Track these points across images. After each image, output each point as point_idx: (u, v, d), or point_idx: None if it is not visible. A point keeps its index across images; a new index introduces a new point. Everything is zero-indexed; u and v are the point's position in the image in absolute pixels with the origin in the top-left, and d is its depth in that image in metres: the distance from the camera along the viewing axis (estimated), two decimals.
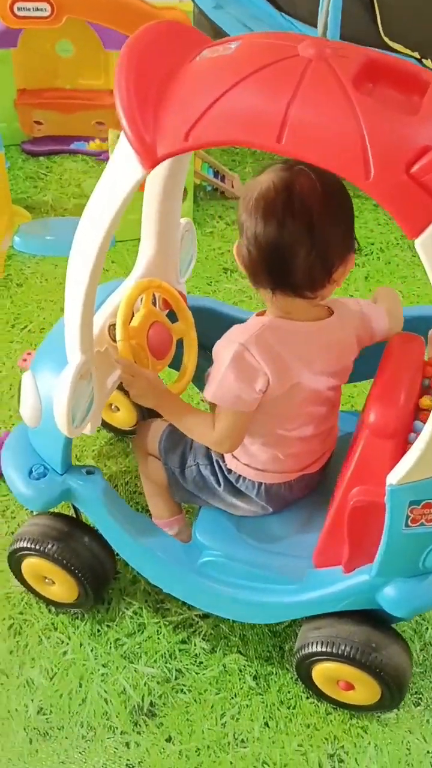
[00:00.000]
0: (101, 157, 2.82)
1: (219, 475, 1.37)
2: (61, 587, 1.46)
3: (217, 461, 1.37)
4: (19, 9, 2.04)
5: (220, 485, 1.37)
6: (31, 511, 1.67)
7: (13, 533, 1.64)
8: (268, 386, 1.19)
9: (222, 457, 1.37)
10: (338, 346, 1.25)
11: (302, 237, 1.07)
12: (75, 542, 1.43)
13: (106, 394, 1.35)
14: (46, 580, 1.47)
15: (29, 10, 2.03)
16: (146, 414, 1.72)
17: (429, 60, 2.72)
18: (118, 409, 1.76)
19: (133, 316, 1.33)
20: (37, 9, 2.03)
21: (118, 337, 1.28)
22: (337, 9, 2.46)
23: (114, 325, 1.31)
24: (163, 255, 1.44)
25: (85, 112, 2.83)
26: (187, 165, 1.37)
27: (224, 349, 1.19)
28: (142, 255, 1.44)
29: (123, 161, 1.01)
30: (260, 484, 1.35)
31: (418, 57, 2.69)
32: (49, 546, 1.41)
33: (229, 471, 1.36)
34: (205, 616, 1.52)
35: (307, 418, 1.28)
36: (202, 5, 2.90)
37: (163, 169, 1.33)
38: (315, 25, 2.73)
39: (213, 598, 1.39)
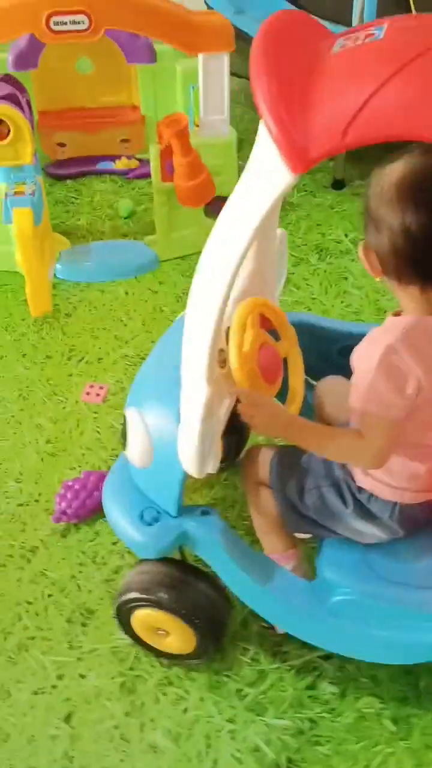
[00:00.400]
0: (129, 176, 2.72)
1: (347, 495, 1.26)
2: (178, 638, 1.34)
3: (345, 480, 1.26)
4: (55, 23, 1.92)
5: (347, 507, 1.26)
6: (123, 557, 1.56)
7: (107, 581, 1.53)
8: (419, 389, 1.08)
9: (350, 475, 1.25)
10: None
11: None
12: (190, 589, 1.31)
13: (221, 426, 1.23)
14: (159, 632, 1.35)
15: (66, 24, 1.92)
16: (233, 444, 1.60)
17: None
18: None
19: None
20: (75, 22, 1.91)
21: (233, 365, 1.17)
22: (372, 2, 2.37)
23: (222, 350, 1.20)
24: (260, 270, 1.33)
25: (109, 129, 2.73)
26: None
27: (368, 354, 1.09)
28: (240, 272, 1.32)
29: (267, 166, 0.89)
30: (395, 504, 1.23)
31: None
32: (163, 595, 1.29)
33: (360, 490, 1.25)
34: (328, 656, 1.40)
35: None
36: (222, 11, 2.80)
37: None
38: (342, 23, 2.64)
39: (349, 641, 1.27)
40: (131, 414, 1.25)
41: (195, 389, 1.08)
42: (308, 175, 2.65)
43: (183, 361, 1.09)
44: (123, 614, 1.35)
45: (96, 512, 1.61)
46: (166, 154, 2.14)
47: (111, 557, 1.57)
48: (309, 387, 1.45)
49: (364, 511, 1.25)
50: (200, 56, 2.13)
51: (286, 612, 1.29)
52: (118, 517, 1.28)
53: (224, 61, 2.15)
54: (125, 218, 2.55)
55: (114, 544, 1.58)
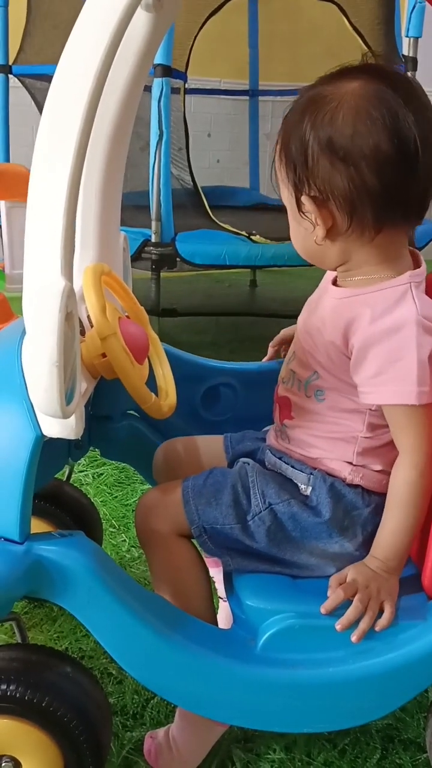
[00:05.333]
0: None
1: (322, 499, 0.90)
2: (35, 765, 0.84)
3: (329, 479, 0.91)
4: None
5: (322, 516, 0.90)
6: None
7: None
8: None
9: (326, 471, 0.92)
10: None
11: None
12: (48, 673, 0.85)
13: (78, 362, 0.87)
14: (3, 763, 0.85)
15: None
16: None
17: None
18: None
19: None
20: None
21: (98, 322, 0.89)
22: None
23: (70, 314, 0.91)
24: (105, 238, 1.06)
25: None
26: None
27: (392, 333, 0.83)
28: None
29: None
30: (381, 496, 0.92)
31: None
32: (13, 688, 0.82)
33: (350, 488, 0.91)
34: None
35: None
36: None
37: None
38: None
39: (310, 698, 0.86)
40: None
41: (45, 283, 0.74)
42: None
43: (26, 258, 0.77)
44: None
45: None
46: None
47: None
48: None
49: (351, 518, 0.91)
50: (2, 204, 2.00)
51: (204, 673, 0.86)
52: None
53: None
54: None
55: None
